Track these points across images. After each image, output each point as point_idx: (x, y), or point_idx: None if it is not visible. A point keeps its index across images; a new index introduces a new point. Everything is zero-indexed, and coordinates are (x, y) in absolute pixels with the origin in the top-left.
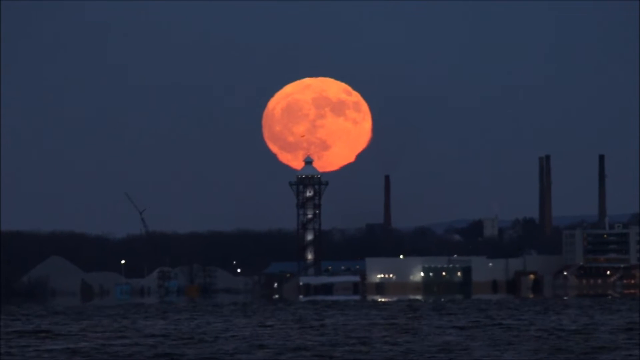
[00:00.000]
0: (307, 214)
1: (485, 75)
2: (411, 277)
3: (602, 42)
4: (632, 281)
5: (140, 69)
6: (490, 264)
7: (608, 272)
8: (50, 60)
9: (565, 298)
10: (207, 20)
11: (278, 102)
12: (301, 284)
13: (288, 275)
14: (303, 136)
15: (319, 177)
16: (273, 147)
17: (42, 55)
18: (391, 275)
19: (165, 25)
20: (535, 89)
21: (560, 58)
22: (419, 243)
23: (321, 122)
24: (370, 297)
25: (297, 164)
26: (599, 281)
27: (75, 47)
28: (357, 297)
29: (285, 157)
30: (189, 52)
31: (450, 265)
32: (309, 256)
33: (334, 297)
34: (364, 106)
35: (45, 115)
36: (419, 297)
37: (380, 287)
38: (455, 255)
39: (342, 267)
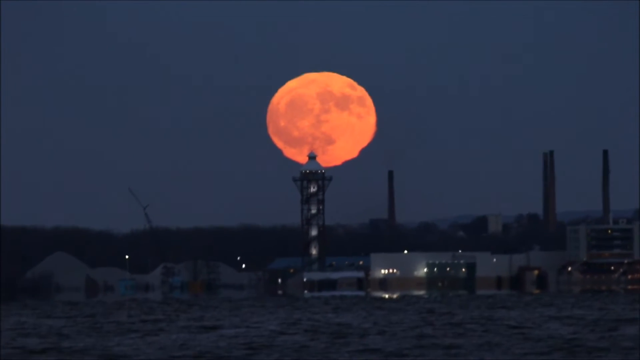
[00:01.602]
0: (311, 210)
1: (489, 71)
2: (415, 273)
3: (602, 39)
4: (637, 276)
5: (143, 66)
6: (495, 260)
7: (612, 268)
8: (52, 56)
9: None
10: (208, 17)
11: (282, 97)
12: (305, 279)
13: (292, 270)
14: None
15: (323, 173)
16: (278, 142)
17: (43, 52)
18: (395, 271)
19: (166, 23)
20: (539, 85)
21: (563, 55)
22: (423, 238)
23: (326, 116)
24: (373, 293)
25: (302, 158)
26: (603, 277)
27: (76, 45)
28: (361, 293)
29: (290, 152)
30: (191, 48)
31: (455, 261)
32: (313, 252)
33: (338, 293)
34: (368, 101)
35: (47, 110)
36: (422, 292)
37: (384, 283)
38: (459, 251)
39: (346, 263)
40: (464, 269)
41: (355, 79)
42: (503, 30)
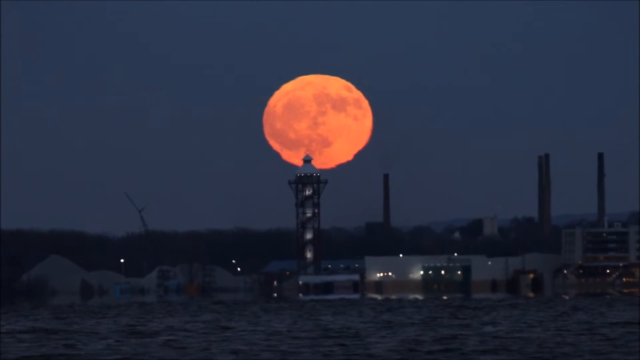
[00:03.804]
0: (306, 213)
1: (486, 74)
2: (411, 276)
3: (602, 41)
4: (632, 279)
5: (140, 70)
6: (490, 263)
7: (607, 271)
8: (51, 59)
9: (565, 297)
10: (206, 18)
11: (279, 99)
12: (301, 282)
13: (287, 273)
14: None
15: (318, 176)
16: (274, 145)
17: (42, 54)
18: (390, 274)
19: (165, 24)
20: (534, 87)
21: (560, 57)
22: (419, 242)
23: (322, 119)
24: (369, 296)
25: (299, 161)
26: (598, 280)
27: (75, 47)
28: (356, 296)
29: (286, 155)
30: (189, 49)
31: (450, 264)
32: (309, 255)
33: (335, 296)
34: (365, 103)
35: (45, 114)
36: (418, 296)
37: (380, 286)
38: (455, 254)
39: (342, 266)
40: (459, 272)
41: (351, 81)
42: (500, 34)
